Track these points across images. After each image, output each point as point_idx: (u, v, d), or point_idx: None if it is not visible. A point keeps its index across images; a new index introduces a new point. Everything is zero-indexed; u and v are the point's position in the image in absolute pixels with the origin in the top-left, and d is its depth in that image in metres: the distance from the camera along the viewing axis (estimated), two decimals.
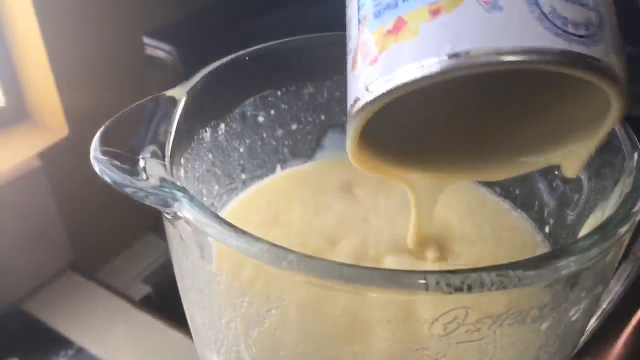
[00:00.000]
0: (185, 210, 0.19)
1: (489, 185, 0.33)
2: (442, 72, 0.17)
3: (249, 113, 0.31)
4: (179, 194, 0.20)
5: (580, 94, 0.21)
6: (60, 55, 0.68)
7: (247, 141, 0.32)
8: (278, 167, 0.34)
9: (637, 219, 0.20)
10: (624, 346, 0.54)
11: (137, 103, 0.25)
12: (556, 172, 0.29)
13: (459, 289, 0.16)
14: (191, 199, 0.20)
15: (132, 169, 0.22)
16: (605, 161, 0.25)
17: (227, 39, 0.56)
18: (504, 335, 0.19)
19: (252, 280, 0.19)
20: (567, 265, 0.17)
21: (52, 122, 0.72)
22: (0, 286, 0.68)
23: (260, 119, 0.32)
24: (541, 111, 0.24)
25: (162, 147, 0.24)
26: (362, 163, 0.23)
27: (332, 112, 0.34)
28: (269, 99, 0.32)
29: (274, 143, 0.33)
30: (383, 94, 0.18)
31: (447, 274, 0.16)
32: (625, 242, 0.21)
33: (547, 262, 0.17)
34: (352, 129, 0.20)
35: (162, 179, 0.21)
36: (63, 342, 0.67)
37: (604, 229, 0.19)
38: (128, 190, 0.21)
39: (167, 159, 0.24)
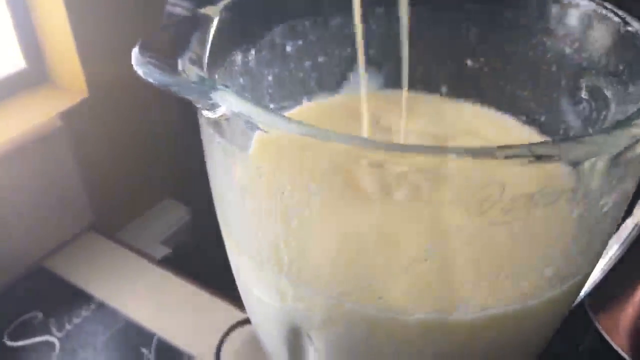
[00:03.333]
0: (228, 99, 0.20)
1: (515, 114, 0.33)
2: None
3: (277, 41, 0.32)
4: (220, 85, 0.21)
5: None
6: (81, 17, 0.68)
7: (276, 70, 0.33)
8: (304, 98, 0.35)
9: None
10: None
11: (173, 18, 0.26)
12: (582, 95, 0.29)
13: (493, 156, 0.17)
14: (229, 88, 0.20)
15: (173, 71, 0.22)
16: (631, 75, 0.26)
17: None
18: (537, 219, 0.20)
19: (293, 169, 0.20)
20: (592, 144, 0.18)
21: (72, 84, 0.73)
22: (22, 245, 0.70)
23: (289, 48, 0.33)
24: None
25: (199, 59, 0.25)
26: None
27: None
28: (298, 28, 0.33)
29: (301, 74, 0.34)
30: None
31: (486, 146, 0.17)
32: None
33: (576, 139, 0.18)
34: None
35: (201, 77, 0.22)
36: (85, 298, 0.68)
37: (629, 117, 0.20)
38: (170, 86, 0.21)
39: (204, 69, 0.24)
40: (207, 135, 0.24)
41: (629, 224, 0.31)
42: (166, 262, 0.74)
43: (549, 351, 0.62)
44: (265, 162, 0.21)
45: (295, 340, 0.27)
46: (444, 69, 0.34)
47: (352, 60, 0.35)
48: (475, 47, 0.33)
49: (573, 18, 0.28)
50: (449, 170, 0.18)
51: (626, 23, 0.25)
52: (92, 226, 0.76)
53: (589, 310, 0.61)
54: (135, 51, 0.23)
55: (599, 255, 0.25)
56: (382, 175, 0.19)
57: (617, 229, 0.31)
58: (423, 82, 0.35)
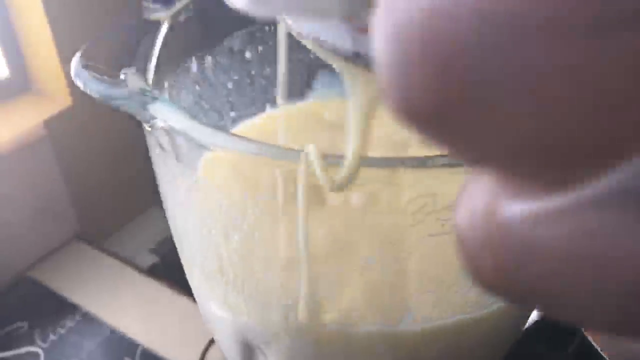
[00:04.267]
0: (161, 110, 0.20)
1: None
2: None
3: (236, 48, 0.32)
4: (156, 96, 0.20)
5: None
6: (63, 26, 0.68)
7: (235, 77, 0.32)
8: (268, 106, 0.34)
9: None
10: None
11: (119, 25, 0.26)
12: None
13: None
14: (167, 100, 0.20)
15: (113, 82, 0.22)
16: None
17: None
18: None
19: (229, 181, 0.20)
20: None
21: (55, 93, 0.73)
22: (7, 254, 0.69)
23: (248, 54, 0.32)
24: None
25: (144, 68, 0.24)
26: None
27: None
28: (257, 34, 0.32)
29: (263, 82, 0.34)
30: None
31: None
32: None
33: None
34: None
35: (142, 89, 0.21)
36: (70, 308, 0.68)
37: None
38: (109, 99, 0.21)
39: (149, 79, 0.24)
40: (150, 147, 0.23)
41: None
42: (153, 271, 0.74)
43: (535, 354, 0.61)
44: (204, 176, 0.21)
45: (249, 354, 0.26)
46: None
47: (316, 67, 0.35)
48: None
49: None
50: (383, 180, 0.18)
51: None
52: (78, 235, 0.76)
53: None
54: (74, 60, 0.23)
55: None
56: (319, 187, 0.19)
57: None
58: None
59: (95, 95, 0.21)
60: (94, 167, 0.77)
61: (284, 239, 0.21)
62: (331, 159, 0.17)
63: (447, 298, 0.21)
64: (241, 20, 0.31)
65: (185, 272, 0.28)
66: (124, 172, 0.81)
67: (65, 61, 0.70)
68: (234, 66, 0.32)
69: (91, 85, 0.21)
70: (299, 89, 0.35)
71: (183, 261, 0.26)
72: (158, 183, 0.25)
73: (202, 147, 0.19)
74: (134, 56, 0.24)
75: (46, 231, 0.74)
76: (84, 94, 0.70)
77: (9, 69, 0.73)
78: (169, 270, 0.75)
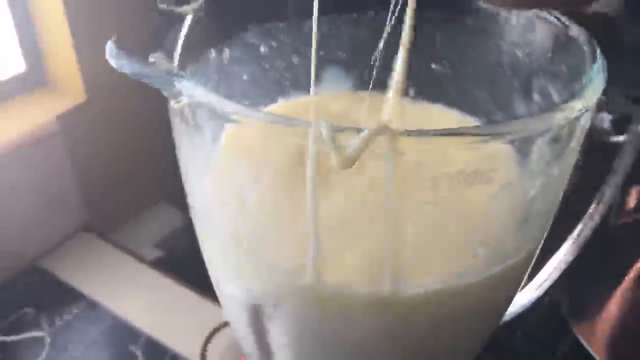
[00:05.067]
0: (189, 86, 0.22)
1: (475, 114, 0.35)
2: None
3: (251, 42, 0.34)
4: (183, 75, 0.23)
5: None
6: (80, 21, 0.70)
7: (250, 69, 0.35)
8: (280, 97, 0.37)
9: (583, 105, 0.22)
10: (619, 301, 0.57)
11: (148, 16, 0.28)
12: (534, 96, 0.31)
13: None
14: (193, 78, 0.22)
15: (144, 63, 0.24)
16: (571, 76, 0.28)
17: None
18: (470, 198, 0.22)
19: (248, 152, 0.22)
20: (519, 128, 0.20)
21: (70, 88, 0.75)
22: (17, 244, 0.71)
23: (263, 49, 0.35)
24: None
25: (170, 55, 0.27)
26: None
27: (330, 48, 0.37)
28: (271, 30, 0.35)
29: (276, 74, 0.36)
30: None
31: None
32: (579, 134, 0.24)
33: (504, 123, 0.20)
34: None
35: (169, 68, 0.24)
36: (76, 296, 0.70)
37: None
38: (140, 75, 0.23)
39: (175, 64, 0.26)
40: (174, 124, 0.26)
41: (581, 227, 0.33)
42: (158, 264, 0.76)
43: (526, 356, 0.63)
44: (226, 147, 0.23)
45: (257, 321, 0.29)
46: (410, 72, 0.36)
47: (325, 62, 0.37)
48: (440, 52, 0.35)
49: (519, 22, 0.30)
50: (392, 149, 0.20)
51: (567, 27, 0.27)
52: (86, 227, 0.78)
53: (567, 317, 0.62)
54: (109, 44, 0.25)
55: (535, 242, 0.27)
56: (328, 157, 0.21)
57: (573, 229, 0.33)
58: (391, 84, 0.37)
59: (128, 73, 0.24)
60: (104, 162, 0.79)
61: (295, 206, 0.23)
62: (342, 131, 0.19)
63: (441, 265, 0.24)
64: (257, 16, 0.34)
65: (200, 243, 0.30)
66: (134, 168, 0.83)
67: (82, 57, 0.72)
68: (249, 59, 0.34)
69: (125, 65, 0.24)
70: (308, 81, 0.37)
71: (198, 232, 0.29)
72: (179, 159, 0.28)
73: (224, 119, 0.22)
74: (160, 45, 0.27)
75: (55, 222, 0.76)
76: (98, 89, 0.73)
77: (26, 63, 0.75)
78: (173, 264, 0.77)
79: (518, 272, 0.27)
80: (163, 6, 0.31)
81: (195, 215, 0.28)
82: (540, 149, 0.22)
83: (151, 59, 0.25)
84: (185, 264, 0.80)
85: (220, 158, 0.24)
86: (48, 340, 0.65)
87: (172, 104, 0.24)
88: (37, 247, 0.74)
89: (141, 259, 0.75)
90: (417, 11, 0.34)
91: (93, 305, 0.69)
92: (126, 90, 0.76)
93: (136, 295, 0.71)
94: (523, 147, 0.22)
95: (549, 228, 0.27)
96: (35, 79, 0.75)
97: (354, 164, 0.19)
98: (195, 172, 0.26)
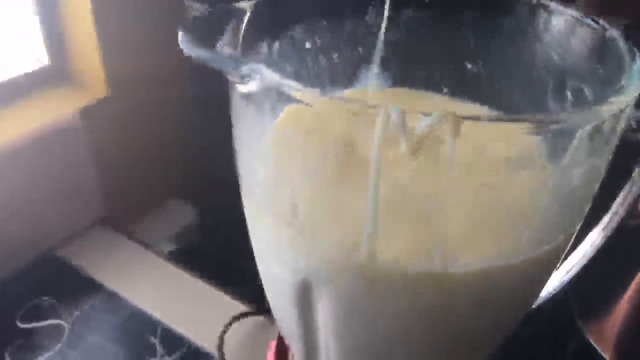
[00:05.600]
0: (261, 71, 0.24)
1: (508, 113, 0.37)
2: None
3: (298, 38, 0.36)
4: (253, 60, 0.24)
5: None
6: (105, 17, 0.72)
7: (295, 63, 0.36)
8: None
9: (626, 100, 0.24)
10: (629, 302, 0.58)
11: (210, 9, 0.30)
12: (567, 95, 0.33)
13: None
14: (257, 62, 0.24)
15: (212, 49, 0.26)
16: (607, 75, 0.29)
17: None
18: (516, 183, 0.23)
19: (309, 132, 0.24)
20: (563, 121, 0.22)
21: (93, 83, 0.77)
22: (36, 232, 0.73)
23: (307, 45, 0.37)
24: None
25: (232, 44, 0.29)
26: None
27: (369, 46, 0.39)
28: (316, 27, 0.36)
29: (317, 69, 0.38)
30: None
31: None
32: (620, 129, 0.26)
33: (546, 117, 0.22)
34: None
35: (235, 55, 0.26)
36: (94, 286, 0.71)
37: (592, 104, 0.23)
38: (210, 60, 0.25)
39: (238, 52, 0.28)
40: (238, 107, 0.28)
41: (610, 215, 0.35)
42: (172, 258, 0.77)
43: (536, 354, 0.65)
44: (291, 129, 0.25)
45: (305, 298, 0.30)
46: (445, 71, 0.38)
47: (362, 59, 0.39)
48: (474, 51, 0.37)
49: (558, 25, 0.32)
50: (454, 133, 0.22)
51: (605, 29, 0.29)
52: (104, 220, 0.79)
53: (576, 316, 0.64)
54: (180, 32, 0.27)
55: (572, 226, 0.28)
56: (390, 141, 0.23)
57: (600, 218, 0.35)
58: (426, 83, 0.39)
59: (201, 60, 0.25)
60: (124, 157, 0.81)
61: (352, 187, 0.25)
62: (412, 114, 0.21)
63: (489, 246, 0.26)
64: (304, 14, 0.36)
65: (249, 227, 0.31)
66: (152, 164, 0.85)
67: (106, 53, 0.74)
68: (295, 54, 0.36)
69: (195, 50, 0.25)
70: (346, 77, 0.39)
71: (250, 211, 0.30)
72: (236, 142, 0.29)
73: (287, 99, 0.23)
74: (221, 37, 0.29)
75: (75, 214, 0.77)
76: (119, 85, 0.74)
77: (50, 57, 0.76)
78: (188, 258, 0.79)
79: (555, 255, 0.29)
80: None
81: (248, 194, 0.30)
82: (584, 141, 0.24)
83: (218, 47, 0.27)
84: (200, 258, 0.82)
85: (282, 136, 0.26)
86: (67, 328, 0.66)
87: (240, 88, 0.26)
88: (56, 237, 0.75)
89: (157, 252, 0.76)
90: (454, 11, 0.36)
91: (110, 296, 0.70)
92: (148, 87, 0.78)
93: (153, 287, 0.72)
94: (568, 140, 0.24)
95: (585, 214, 0.29)
96: (58, 73, 0.77)
97: (421, 147, 0.21)
98: (253, 152, 0.28)
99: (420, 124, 0.21)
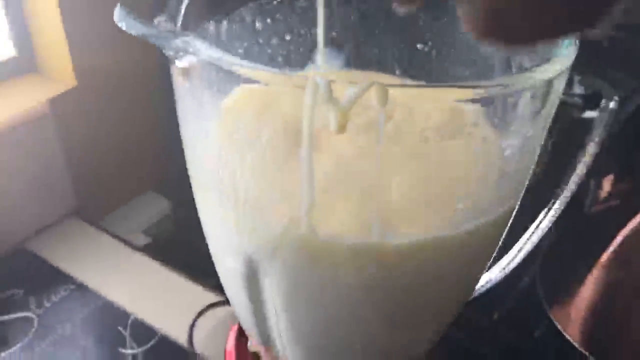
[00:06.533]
0: (196, 45, 0.24)
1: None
2: None
3: (248, 18, 0.36)
4: (187, 35, 0.24)
5: None
6: (71, 8, 0.71)
7: (245, 44, 0.36)
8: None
9: (560, 67, 0.24)
10: (594, 284, 0.59)
11: None
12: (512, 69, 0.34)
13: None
14: (195, 36, 0.24)
15: (149, 24, 0.26)
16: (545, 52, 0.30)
17: None
18: (449, 152, 0.24)
19: (247, 107, 0.24)
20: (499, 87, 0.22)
21: (60, 73, 0.76)
22: (6, 226, 0.72)
23: (258, 25, 0.37)
24: None
25: (172, 20, 0.29)
26: None
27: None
28: (267, 7, 0.36)
29: (269, 50, 0.38)
30: None
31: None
32: (554, 97, 0.26)
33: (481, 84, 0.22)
34: None
35: (173, 30, 0.26)
36: (64, 278, 0.70)
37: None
38: (147, 35, 0.25)
39: (177, 28, 0.28)
40: (177, 85, 0.28)
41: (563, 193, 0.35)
42: (145, 251, 0.77)
43: (503, 339, 0.65)
44: (239, 109, 0.25)
45: (253, 279, 0.30)
46: (397, 51, 0.38)
47: (316, 40, 0.39)
48: (424, 31, 0.37)
49: None
50: (381, 101, 0.22)
51: None
52: (76, 212, 0.79)
53: (542, 301, 0.65)
54: (117, 9, 0.27)
55: (510, 199, 0.29)
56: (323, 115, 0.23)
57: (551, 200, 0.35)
58: (379, 64, 0.39)
59: (136, 34, 0.25)
60: (95, 148, 0.80)
61: (291, 164, 0.25)
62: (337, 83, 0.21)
63: (425, 217, 0.26)
64: None
65: (197, 203, 0.31)
66: (124, 156, 0.84)
67: (73, 43, 0.73)
68: (245, 34, 0.36)
69: (133, 26, 0.25)
70: (300, 58, 0.39)
71: (197, 191, 0.30)
72: (179, 118, 0.29)
73: (231, 78, 0.23)
74: (162, 13, 0.29)
75: (45, 206, 0.76)
76: (88, 75, 0.74)
77: (16, 48, 0.76)
78: (161, 251, 0.78)
79: (495, 230, 0.29)
80: None
81: (195, 172, 0.30)
82: (517, 108, 0.24)
83: (155, 22, 0.27)
84: (173, 250, 0.82)
85: (221, 113, 0.26)
86: (36, 320, 0.65)
87: (177, 63, 0.26)
88: (26, 230, 0.74)
89: (130, 244, 0.76)
90: None
91: (81, 288, 0.70)
92: (117, 77, 0.78)
93: (124, 279, 0.72)
94: (502, 106, 0.24)
95: (523, 189, 0.29)
96: (25, 64, 0.76)
97: (348, 117, 0.21)
98: (196, 130, 0.28)
99: (347, 93, 0.21)
